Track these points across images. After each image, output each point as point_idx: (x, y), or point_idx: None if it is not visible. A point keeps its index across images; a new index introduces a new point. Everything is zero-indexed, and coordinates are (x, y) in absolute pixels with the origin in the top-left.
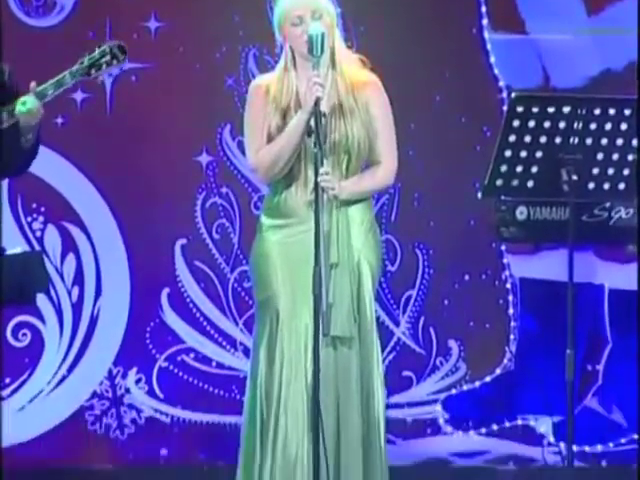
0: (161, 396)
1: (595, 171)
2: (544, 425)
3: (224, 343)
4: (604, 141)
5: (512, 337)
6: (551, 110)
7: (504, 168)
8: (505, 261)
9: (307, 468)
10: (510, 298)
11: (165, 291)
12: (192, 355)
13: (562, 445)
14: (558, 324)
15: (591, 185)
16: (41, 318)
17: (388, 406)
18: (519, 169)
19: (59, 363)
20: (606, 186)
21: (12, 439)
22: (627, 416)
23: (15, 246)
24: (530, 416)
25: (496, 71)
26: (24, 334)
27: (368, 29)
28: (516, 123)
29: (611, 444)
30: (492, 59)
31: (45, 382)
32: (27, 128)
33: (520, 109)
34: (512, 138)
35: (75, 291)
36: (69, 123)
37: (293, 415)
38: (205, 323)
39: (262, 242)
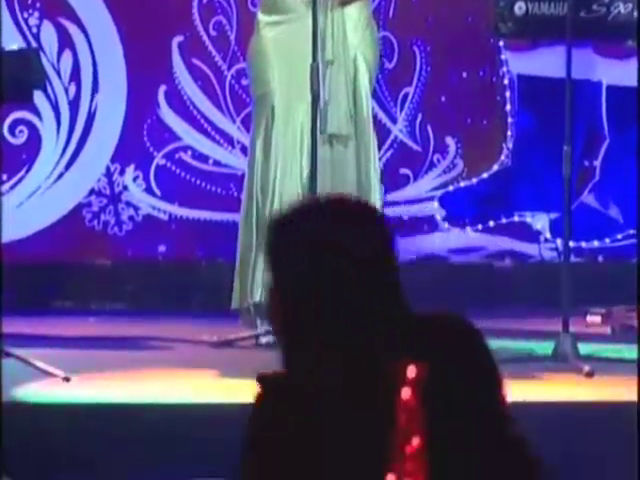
0: (158, 193)
1: None
2: (541, 221)
3: (221, 141)
4: None
5: (509, 133)
6: None
7: None
8: (503, 57)
9: None
10: (507, 94)
11: (162, 88)
12: (189, 153)
13: (558, 241)
14: (555, 120)
15: None
16: (38, 115)
17: (385, 204)
18: None
19: (57, 160)
20: None
21: (11, 235)
22: (624, 212)
23: (11, 43)
24: (527, 212)
25: None
26: (21, 131)
27: None
28: None
29: (607, 240)
30: None
31: (43, 178)
32: None
33: None
34: None
35: (72, 88)
36: None
37: None
38: (202, 121)
39: (259, 39)
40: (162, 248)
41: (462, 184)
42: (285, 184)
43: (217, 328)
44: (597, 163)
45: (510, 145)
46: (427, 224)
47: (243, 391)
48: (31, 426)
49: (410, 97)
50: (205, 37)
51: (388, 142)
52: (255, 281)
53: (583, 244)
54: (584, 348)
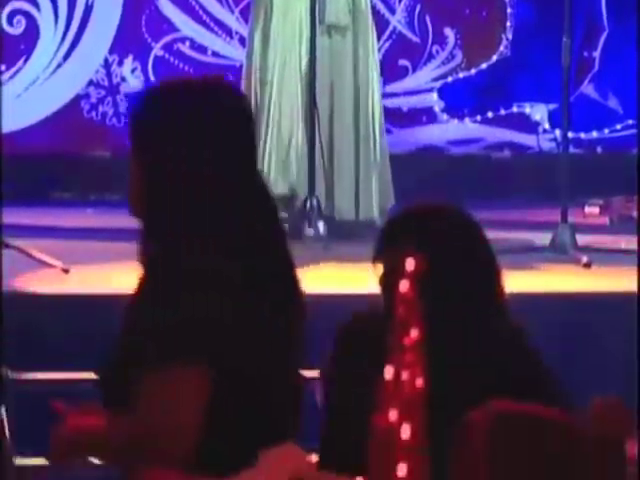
0: None
1: None
2: (539, 112)
3: (220, 32)
4: None
5: (508, 24)
6: None
7: None
8: None
9: (301, 152)
10: None
11: None
12: (188, 44)
13: (557, 132)
14: (555, 11)
15: None
16: (36, 5)
17: (384, 95)
18: None
19: (55, 50)
20: None
21: (10, 126)
22: (623, 102)
23: None
24: (526, 103)
25: None
26: (19, 21)
27: None
28: None
29: (606, 130)
30: None
31: (41, 69)
32: None
33: None
34: None
35: None
36: None
37: (287, 98)
38: (201, 12)
39: None
40: None
41: (461, 75)
42: (283, 74)
43: None
44: (596, 54)
45: (509, 36)
46: (426, 115)
47: None
48: (30, 317)
49: None
50: None
51: (387, 33)
52: None
53: (582, 135)
54: (582, 239)
